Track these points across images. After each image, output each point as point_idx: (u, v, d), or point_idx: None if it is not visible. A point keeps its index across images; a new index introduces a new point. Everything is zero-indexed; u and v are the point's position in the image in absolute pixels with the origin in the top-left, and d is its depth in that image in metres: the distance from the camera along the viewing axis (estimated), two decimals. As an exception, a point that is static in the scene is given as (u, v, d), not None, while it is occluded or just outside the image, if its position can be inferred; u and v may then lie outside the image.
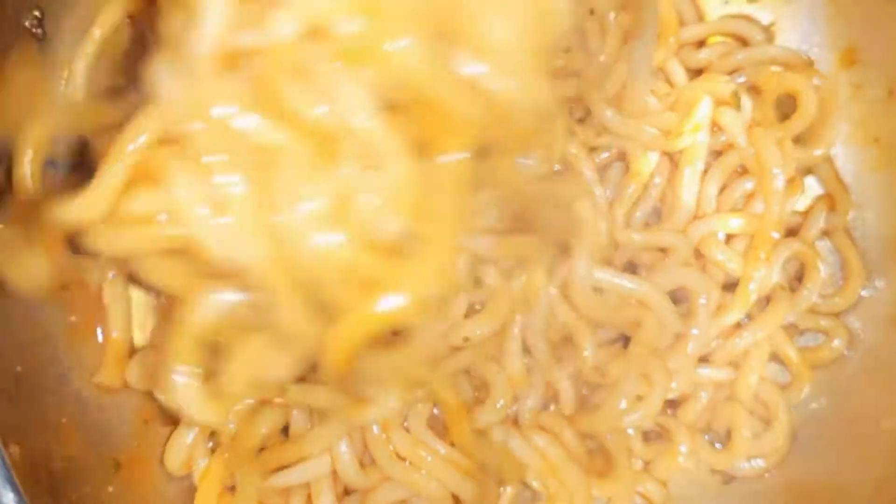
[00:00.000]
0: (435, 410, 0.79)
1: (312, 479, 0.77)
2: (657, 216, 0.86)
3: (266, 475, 0.76)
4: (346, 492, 0.79)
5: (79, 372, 0.76)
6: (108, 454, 0.75)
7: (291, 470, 0.77)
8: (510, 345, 0.79)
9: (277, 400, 0.76)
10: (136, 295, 0.79)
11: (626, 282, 0.80)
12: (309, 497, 0.78)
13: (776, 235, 0.83)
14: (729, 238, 0.85)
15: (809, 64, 0.84)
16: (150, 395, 0.79)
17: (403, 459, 0.76)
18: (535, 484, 0.82)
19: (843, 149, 0.86)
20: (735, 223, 0.84)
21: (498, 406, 0.78)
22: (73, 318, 0.76)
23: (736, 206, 0.85)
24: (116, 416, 0.77)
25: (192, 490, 0.79)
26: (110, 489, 0.74)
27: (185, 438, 0.78)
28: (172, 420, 0.80)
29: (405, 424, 0.77)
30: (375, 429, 0.75)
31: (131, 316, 0.79)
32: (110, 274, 0.76)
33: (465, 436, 0.77)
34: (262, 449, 0.77)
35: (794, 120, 0.83)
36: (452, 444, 0.79)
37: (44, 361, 0.73)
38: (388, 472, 0.76)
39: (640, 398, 0.81)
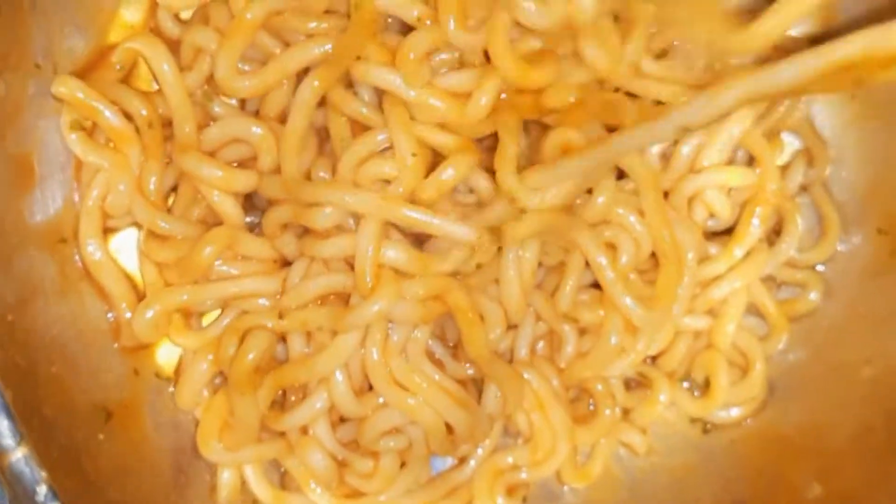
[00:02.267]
0: (432, 344, 0.80)
1: (311, 418, 0.78)
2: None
3: (267, 401, 0.76)
4: (342, 420, 0.81)
5: (69, 322, 0.76)
6: (98, 403, 0.76)
7: (292, 413, 0.78)
8: (507, 272, 0.78)
9: (271, 325, 0.76)
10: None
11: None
12: (305, 426, 0.79)
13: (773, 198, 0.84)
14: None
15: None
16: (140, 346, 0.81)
17: (400, 386, 0.77)
18: (520, 420, 0.83)
19: (821, 105, 0.87)
20: (737, 178, 0.83)
21: (492, 336, 0.79)
22: (62, 271, 0.77)
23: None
24: (107, 366, 0.78)
25: (181, 439, 0.80)
26: (101, 437, 0.75)
27: (199, 371, 0.78)
28: (163, 371, 0.81)
29: (403, 354, 0.77)
30: (374, 355, 0.76)
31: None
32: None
33: (479, 348, 0.77)
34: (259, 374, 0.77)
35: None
36: (461, 360, 0.80)
37: (34, 312, 0.74)
38: (385, 397, 0.77)
39: (623, 350, 0.83)
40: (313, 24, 0.75)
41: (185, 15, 0.80)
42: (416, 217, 0.74)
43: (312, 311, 0.76)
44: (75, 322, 0.77)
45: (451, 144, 0.74)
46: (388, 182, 0.75)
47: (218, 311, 0.80)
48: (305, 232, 0.77)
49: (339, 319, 0.74)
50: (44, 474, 0.64)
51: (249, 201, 0.80)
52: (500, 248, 0.77)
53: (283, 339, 0.79)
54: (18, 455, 0.63)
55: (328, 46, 0.74)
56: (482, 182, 0.76)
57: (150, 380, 0.81)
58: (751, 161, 0.85)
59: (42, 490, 0.64)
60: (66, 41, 0.76)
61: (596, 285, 0.83)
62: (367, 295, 0.74)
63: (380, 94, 0.76)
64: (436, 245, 0.77)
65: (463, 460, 0.84)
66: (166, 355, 0.81)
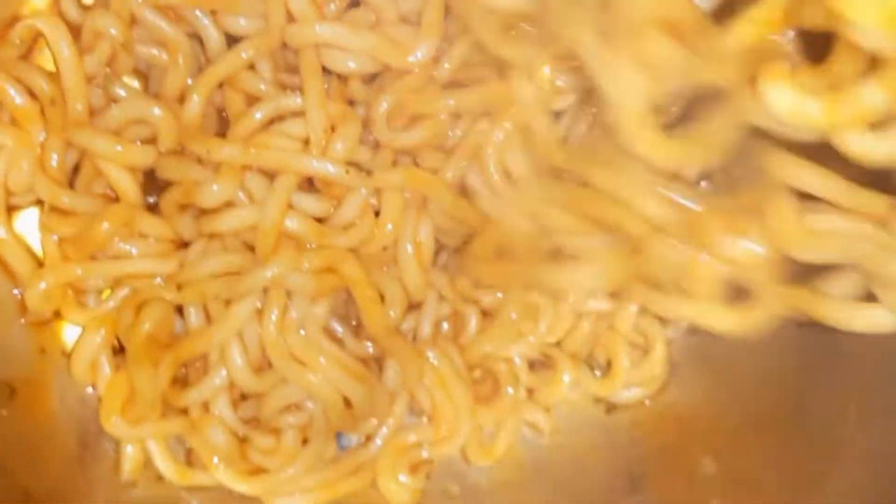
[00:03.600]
0: (334, 323, 0.82)
1: (211, 395, 0.79)
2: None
3: (167, 377, 0.77)
4: (243, 397, 0.82)
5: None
6: (3, 379, 0.77)
7: (191, 389, 0.79)
8: (404, 249, 0.80)
9: (169, 297, 0.78)
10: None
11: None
12: (207, 404, 0.80)
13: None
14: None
15: None
16: (46, 325, 0.82)
17: (298, 362, 0.78)
18: (423, 398, 0.84)
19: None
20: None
21: (393, 315, 0.80)
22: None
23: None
24: (12, 344, 0.79)
25: (86, 416, 0.81)
26: (4, 412, 0.76)
27: (91, 343, 0.79)
28: (69, 349, 0.82)
29: (301, 330, 0.79)
30: (271, 329, 0.77)
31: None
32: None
33: (377, 323, 0.79)
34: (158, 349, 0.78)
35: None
36: (361, 339, 0.81)
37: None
38: (283, 373, 0.78)
39: (522, 333, 0.85)
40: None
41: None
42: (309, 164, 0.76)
43: (209, 281, 0.77)
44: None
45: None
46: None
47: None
48: (202, 213, 0.79)
49: (236, 285, 0.76)
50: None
51: (151, 181, 0.81)
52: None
53: (181, 314, 0.80)
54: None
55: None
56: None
57: (57, 358, 0.81)
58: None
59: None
60: (-30, 26, 0.78)
61: (501, 268, 0.85)
62: (264, 261, 0.75)
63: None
64: (336, 221, 0.79)
65: (368, 438, 0.85)
66: (73, 334, 0.82)
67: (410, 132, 0.78)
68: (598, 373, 0.90)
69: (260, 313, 0.78)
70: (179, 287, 0.77)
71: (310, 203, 0.78)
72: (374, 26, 0.77)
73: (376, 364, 0.84)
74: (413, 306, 0.84)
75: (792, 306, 0.66)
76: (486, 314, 0.85)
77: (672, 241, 0.65)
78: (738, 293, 0.68)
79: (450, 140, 0.81)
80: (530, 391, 0.89)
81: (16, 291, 0.80)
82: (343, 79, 0.79)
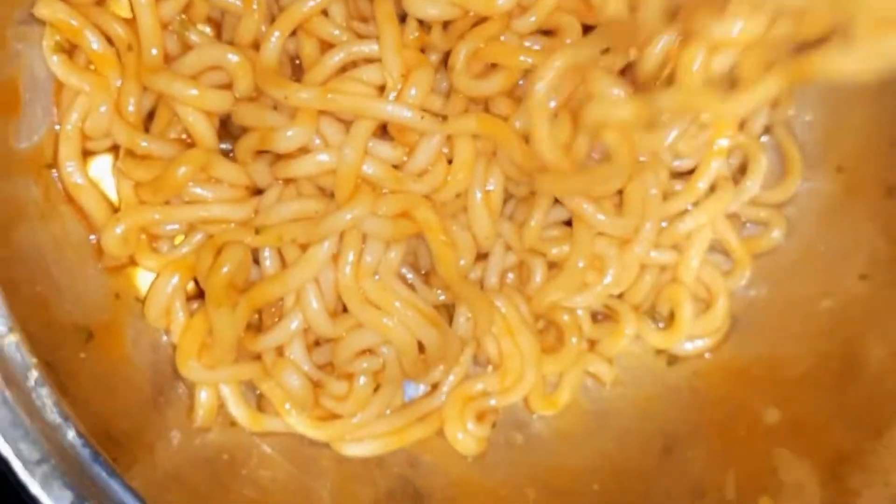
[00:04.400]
0: (405, 271, 0.82)
1: (287, 339, 0.80)
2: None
3: (243, 322, 0.78)
4: (317, 343, 0.82)
5: (52, 246, 0.77)
6: (80, 323, 0.77)
7: (267, 334, 0.80)
8: (474, 198, 0.81)
9: (247, 240, 0.78)
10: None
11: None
12: (281, 349, 0.80)
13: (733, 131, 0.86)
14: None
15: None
16: (121, 271, 0.82)
17: (373, 305, 0.78)
18: (490, 347, 0.85)
19: (784, 49, 0.90)
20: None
21: (462, 264, 0.81)
22: (46, 195, 0.78)
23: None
24: (88, 289, 0.79)
25: (160, 361, 0.81)
26: (82, 355, 0.76)
27: (165, 287, 0.80)
28: (143, 295, 0.82)
29: (376, 274, 0.79)
30: (347, 272, 0.77)
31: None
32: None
33: (450, 269, 0.79)
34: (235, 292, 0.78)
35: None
36: (432, 286, 0.82)
37: (19, 236, 0.75)
38: (358, 316, 0.78)
39: (589, 283, 0.86)
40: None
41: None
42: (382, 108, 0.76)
43: (287, 225, 0.77)
44: (58, 245, 0.78)
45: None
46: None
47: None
48: (278, 159, 0.79)
49: (314, 229, 0.76)
50: (34, 360, 0.65)
51: (226, 128, 0.82)
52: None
53: (256, 262, 0.81)
54: (10, 340, 0.65)
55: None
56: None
57: (132, 304, 0.82)
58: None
59: (33, 375, 0.65)
60: (49, -30, 0.78)
61: (567, 222, 0.86)
62: (342, 204, 0.76)
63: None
64: (409, 168, 0.79)
65: (435, 387, 0.86)
66: (147, 280, 0.82)
67: (488, 80, 0.79)
68: (660, 325, 0.90)
69: (335, 258, 0.78)
70: (257, 231, 0.77)
71: (384, 150, 0.78)
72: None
73: (446, 312, 0.84)
74: (480, 256, 0.85)
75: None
76: (552, 266, 0.86)
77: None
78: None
79: (520, 88, 0.81)
80: (592, 343, 0.89)
81: (92, 237, 0.80)
82: (423, 25, 0.79)
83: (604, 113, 0.73)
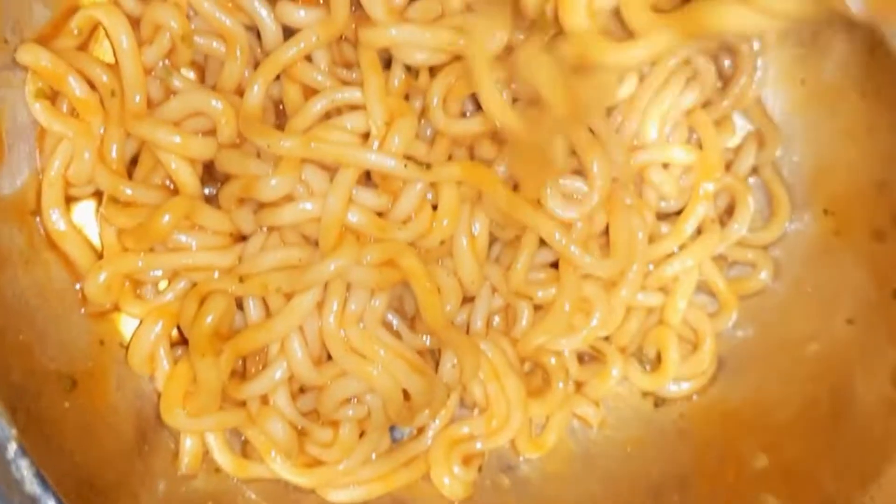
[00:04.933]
0: (390, 317, 0.82)
1: (271, 388, 0.79)
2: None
3: (227, 369, 0.77)
4: (302, 390, 0.81)
5: (37, 292, 0.77)
6: (65, 372, 0.76)
7: (252, 382, 0.79)
8: (459, 243, 0.80)
9: (231, 289, 0.77)
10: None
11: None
12: (265, 396, 0.80)
13: (719, 175, 0.86)
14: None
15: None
16: (105, 317, 0.82)
17: (358, 354, 0.78)
18: (476, 391, 0.84)
19: (771, 90, 0.89)
20: (678, 155, 0.86)
21: (448, 308, 0.80)
22: (30, 242, 0.77)
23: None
24: (73, 336, 0.78)
25: (144, 407, 0.81)
26: (66, 405, 0.75)
27: (149, 334, 0.79)
28: (127, 341, 0.82)
29: (360, 322, 0.79)
30: (332, 322, 0.77)
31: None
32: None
33: (436, 316, 0.78)
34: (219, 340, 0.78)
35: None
36: (418, 332, 0.82)
37: (3, 282, 0.74)
38: (343, 365, 0.78)
39: (575, 327, 0.85)
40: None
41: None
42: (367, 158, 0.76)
43: (271, 274, 0.77)
44: (42, 292, 0.77)
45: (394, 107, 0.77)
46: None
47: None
48: (261, 206, 0.78)
49: (298, 278, 0.75)
50: (14, 431, 0.65)
51: (209, 173, 0.81)
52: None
53: (240, 308, 0.80)
54: (-11, 412, 0.64)
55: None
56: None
57: (116, 350, 0.81)
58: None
59: (12, 447, 0.65)
60: (33, 16, 0.77)
61: (553, 264, 0.85)
62: (327, 254, 0.75)
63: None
64: (394, 215, 0.79)
65: (421, 431, 0.85)
66: (132, 325, 0.82)
67: (468, 120, 0.78)
68: (646, 367, 0.90)
69: (319, 306, 0.78)
70: (241, 279, 0.77)
71: (369, 197, 0.78)
72: (438, 17, 0.77)
73: (431, 356, 0.84)
74: (466, 299, 0.84)
75: None
76: (538, 308, 0.86)
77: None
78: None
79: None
80: (579, 384, 0.89)
81: (77, 286, 0.80)
82: (411, 70, 0.79)
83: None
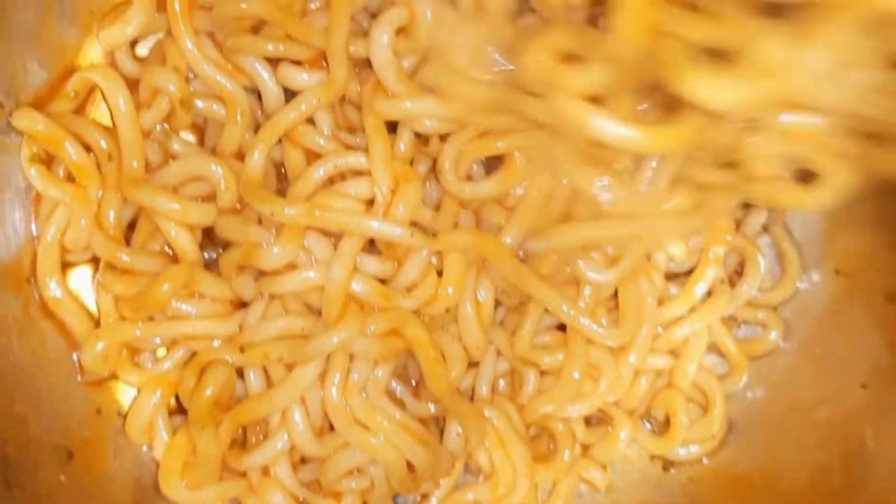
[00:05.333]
0: (393, 384, 0.80)
1: (272, 459, 0.77)
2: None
3: (227, 439, 0.76)
4: (303, 460, 0.80)
5: (32, 361, 0.75)
6: (61, 443, 0.75)
7: (253, 453, 0.77)
8: (464, 309, 0.78)
9: (231, 359, 0.76)
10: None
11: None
12: (266, 467, 0.78)
13: (729, 238, 0.85)
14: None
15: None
16: (102, 385, 0.80)
17: (361, 425, 0.76)
18: (481, 457, 0.82)
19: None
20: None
21: (453, 375, 0.78)
22: (25, 310, 0.76)
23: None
24: (69, 405, 0.77)
25: (142, 477, 0.79)
26: (63, 478, 0.74)
27: (147, 404, 0.78)
28: (125, 409, 0.80)
29: (364, 392, 0.77)
30: (334, 393, 0.75)
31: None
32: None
33: (441, 385, 0.77)
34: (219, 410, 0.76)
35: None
36: (422, 399, 0.80)
37: (-2, 352, 0.74)
38: (346, 436, 0.76)
39: (582, 393, 0.83)
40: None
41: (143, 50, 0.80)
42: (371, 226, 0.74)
43: (272, 344, 0.75)
44: (38, 361, 0.75)
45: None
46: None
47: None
48: (263, 273, 0.77)
49: (300, 349, 0.74)
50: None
51: (209, 236, 0.79)
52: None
53: (241, 376, 0.78)
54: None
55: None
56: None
57: (113, 418, 0.79)
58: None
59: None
60: (28, 79, 0.76)
61: (560, 326, 0.83)
62: (330, 325, 0.73)
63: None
64: (398, 282, 0.77)
65: (424, 497, 0.83)
66: (129, 393, 0.80)
67: (480, 184, 0.77)
68: (655, 429, 0.88)
69: (322, 376, 0.76)
70: (242, 349, 0.75)
71: (373, 264, 0.76)
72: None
73: (435, 424, 0.82)
74: (470, 364, 0.82)
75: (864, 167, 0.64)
76: (544, 373, 0.84)
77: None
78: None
79: (512, 197, 0.79)
80: (586, 447, 0.87)
81: (75, 356, 0.78)
82: (420, 136, 0.77)
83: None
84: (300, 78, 0.77)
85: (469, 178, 0.79)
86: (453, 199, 0.78)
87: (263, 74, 0.77)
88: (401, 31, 0.74)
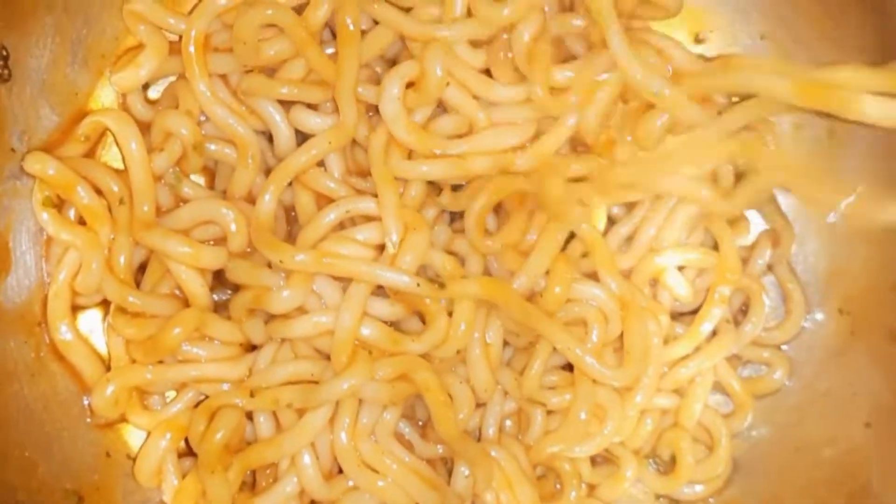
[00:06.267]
0: (401, 426, 0.80)
1: (282, 502, 0.77)
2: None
3: (236, 483, 0.76)
4: (313, 503, 0.79)
5: (42, 405, 0.75)
6: (70, 487, 0.75)
7: (262, 497, 0.77)
8: (473, 352, 0.79)
9: (241, 403, 0.76)
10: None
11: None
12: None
13: (736, 278, 0.85)
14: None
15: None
16: (112, 428, 0.80)
17: (370, 468, 0.77)
18: (488, 498, 0.82)
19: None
20: (691, 257, 0.85)
21: (461, 417, 0.79)
22: (37, 354, 0.76)
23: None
24: (79, 449, 0.77)
25: (153, 521, 0.80)
26: (72, 525, 0.75)
27: (157, 448, 0.78)
28: (134, 453, 0.80)
29: (372, 436, 0.77)
30: (343, 438, 0.75)
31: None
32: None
33: (449, 428, 0.77)
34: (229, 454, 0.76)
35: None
36: (430, 440, 0.80)
37: (8, 397, 0.73)
38: (354, 480, 0.76)
39: (590, 433, 0.84)
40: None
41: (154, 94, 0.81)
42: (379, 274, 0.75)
43: (282, 389, 0.75)
44: (48, 405, 0.76)
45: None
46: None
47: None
48: (273, 317, 0.77)
49: (310, 395, 0.74)
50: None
51: (218, 278, 0.80)
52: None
53: (250, 418, 0.78)
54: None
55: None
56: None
57: (123, 461, 0.80)
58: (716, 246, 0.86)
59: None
60: (41, 123, 0.76)
61: (566, 367, 0.84)
62: (340, 371, 0.74)
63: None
64: (407, 325, 0.78)
65: (432, 540, 0.84)
66: (138, 436, 0.80)
67: (499, 235, 0.78)
68: (660, 469, 0.89)
69: (331, 420, 0.76)
70: (252, 393, 0.76)
71: (383, 308, 0.76)
72: (464, 135, 0.77)
73: (443, 464, 0.83)
74: (477, 404, 0.83)
75: None
76: (551, 412, 0.84)
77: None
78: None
79: (526, 241, 0.80)
80: (592, 487, 0.87)
81: (86, 400, 0.78)
82: (433, 184, 0.79)
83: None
84: (313, 121, 0.77)
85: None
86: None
87: (276, 117, 0.78)
88: (411, 85, 0.75)
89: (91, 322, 0.80)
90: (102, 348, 0.80)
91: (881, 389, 0.82)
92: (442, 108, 0.78)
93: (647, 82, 0.76)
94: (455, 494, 0.80)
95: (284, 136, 0.78)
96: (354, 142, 0.79)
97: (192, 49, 0.75)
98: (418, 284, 0.74)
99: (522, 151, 0.78)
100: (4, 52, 0.72)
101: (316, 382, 0.76)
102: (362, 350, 0.75)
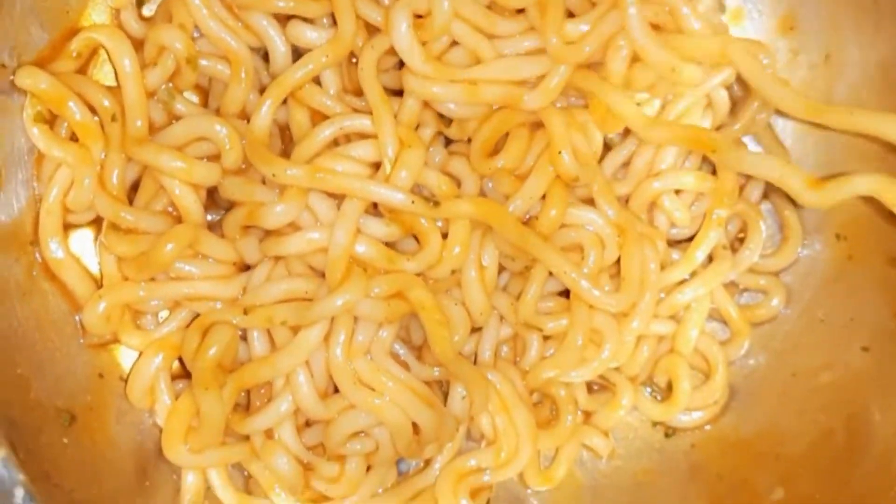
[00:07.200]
0: (397, 347, 0.80)
1: (276, 422, 0.77)
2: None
3: (231, 402, 0.75)
4: (308, 423, 0.79)
5: (34, 324, 0.74)
6: (63, 406, 0.74)
7: (256, 416, 0.77)
8: (468, 274, 0.78)
9: (235, 321, 0.75)
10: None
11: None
12: (270, 430, 0.77)
13: (733, 201, 0.84)
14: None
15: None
16: (105, 349, 0.79)
17: (366, 386, 0.76)
18: (484, 423, 0.82)
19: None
20: (688, 181, 0.84)
21: (457, 339, 0.78)
22: (28, 273, 0.75)
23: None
24: (71, 369, 0.76)
25: (145, 442, 0.79)
26: (65, 440, 0.73)
27: (149, 367, 0.77)
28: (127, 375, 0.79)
29: (368, 354, 0.76)
30: (339, 355, 0.74)
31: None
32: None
33: (445, 348, 0.76)
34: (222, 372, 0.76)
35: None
36: (426, 362, 0.80)
37: (0, 315, 0.73)
38: (350, 398, 0.75)
39: (586, 358, 0.83)
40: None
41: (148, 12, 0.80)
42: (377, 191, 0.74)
43: (276, 307, 0.74)
44: (40, 324, 0.75)
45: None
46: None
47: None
48: (267, 235, 0.76)
49: (304, 312, 0.73)
50: (21, 477, 0.63)
51: (211, 199, 0.79)
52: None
53: (244, 339, 0.78)
54: (-1, 455, 0.62)
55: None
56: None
57: (115, 383, 0.79)
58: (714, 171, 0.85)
59: (20, 493, 0.63)
60: (32, 40, 0.75)
61: (563, 293, 0.83)
62: (334, 288, 0.73)
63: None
64: (403, 244, 0.77)
65: (427, 463, 0.83)
66: (132, 357, 0.79)
67: (498, 158, 0.77)
68: (657, 396, 0.88)
69: (326, 338, 0.76)
70: (246, 311, 0.75)
71: (377, 227, 0.75)
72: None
73: (439, 387, 0.82)
74: (473, 329, 0.82)
75: None
76: (547, 338, 0.84)
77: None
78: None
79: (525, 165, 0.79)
80: (588, 414, 0.87)
81: (77, 317, 0.77)
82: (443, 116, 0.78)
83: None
84: (310, 35, 0.76)
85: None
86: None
87: (271, 31, 0.77)
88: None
89: (83, 242, 0.79)
90: (94, 268, 0.79)
91: (879, 314, 0.82)
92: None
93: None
94: (451, 415, 0.79)
95: (280, 51, 0.77)
96: (350, 61, 0.78)
97: (186, -39, 0.74)
98: (413, 202, 0.73)
99: (531, 88, 0.77)
100: (-7, -31, 0.71)
101: (310, 300, 0.75)
102: (357, 267, 0.74)
